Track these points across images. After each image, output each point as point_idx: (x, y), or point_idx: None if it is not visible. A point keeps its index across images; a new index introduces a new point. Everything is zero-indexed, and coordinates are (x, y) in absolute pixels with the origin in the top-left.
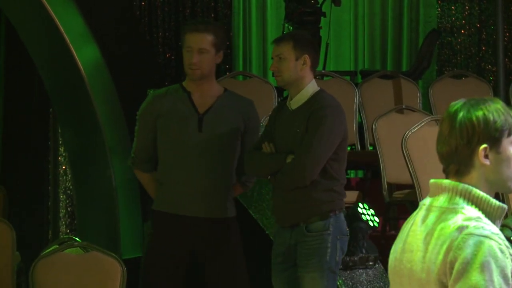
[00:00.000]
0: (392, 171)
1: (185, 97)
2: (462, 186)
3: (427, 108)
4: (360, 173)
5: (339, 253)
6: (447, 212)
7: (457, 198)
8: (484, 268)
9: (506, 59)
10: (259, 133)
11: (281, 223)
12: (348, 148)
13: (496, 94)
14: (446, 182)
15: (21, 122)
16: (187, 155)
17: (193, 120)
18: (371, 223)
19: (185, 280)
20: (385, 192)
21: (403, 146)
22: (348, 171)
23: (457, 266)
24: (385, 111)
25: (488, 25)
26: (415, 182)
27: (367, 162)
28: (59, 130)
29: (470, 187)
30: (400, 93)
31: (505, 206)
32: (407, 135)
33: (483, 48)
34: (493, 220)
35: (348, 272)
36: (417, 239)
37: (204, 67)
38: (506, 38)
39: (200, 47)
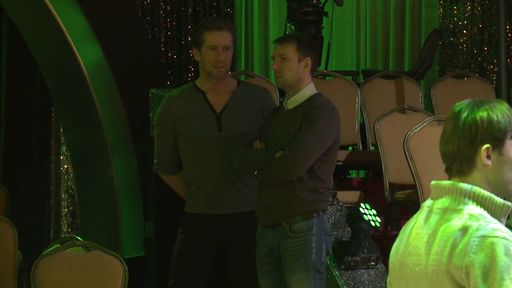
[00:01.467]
0: (394, 171)
1: (200, 97)
2: (465, 185)
3: (429, 108)
4: (362, 173)
5: (324, 253)
6: (450, 212)
7: (461, 198)
8: (504, 268)
9: (508, 60)
10: None
11: (264, 223)
12: (350, 148)
13: (498, 94)
14: (448, 183)
15: (23, 121)
16: (209, 156)
17: (212, 120)
18: (372, 223)
19: (209, 276)
20: (387, 192)
21: (405, 146)
22: (350, 171)
23: (475, 271)
24: (387, 111)
25: (490, 25)
26: (417, 182)
27: (369, 162)
28: (61, 129)
29: (473, 186)
30: (402, 93)
31: (509, 203)
32: (409, 135)
33: (485, 48)
34: (498, 218)
35: (349, 272)
36: (422, 242)
37: (228, 64)
38: (508, 39)
39: (224, 44)
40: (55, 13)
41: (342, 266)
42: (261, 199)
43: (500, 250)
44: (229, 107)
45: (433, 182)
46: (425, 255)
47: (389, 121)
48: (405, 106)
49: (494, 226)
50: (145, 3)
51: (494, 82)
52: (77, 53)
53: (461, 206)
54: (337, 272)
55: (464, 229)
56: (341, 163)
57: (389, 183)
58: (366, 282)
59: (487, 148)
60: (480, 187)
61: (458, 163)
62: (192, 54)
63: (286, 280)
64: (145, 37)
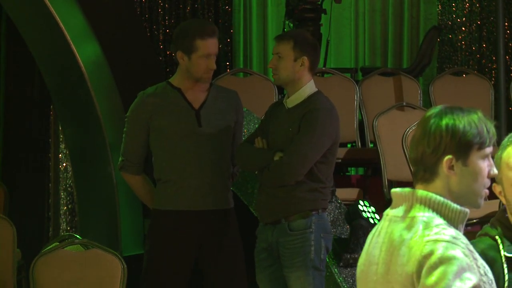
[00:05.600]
0: (392, 168)
1: (176, 94)
2: (421, 193)
3: (428, 105)
4: (361, 171)
5: (323, 251)
6: (407, 221)
7: (417, 206)
8: (446, 272)
9: (507, 57)
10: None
11: (263, 220)
12: (349, 145)
13: (496, 91)
14: (405, 190)
15: (22, 119)
16: (189, 151)
17: (191, 116)
18: (371, 221)
19: (190, 276)
20: (385, 190)
21: (403, 143)
22: (349, 169)
23: (423, 272)
24: (386, 108)
25: (488, 22)
26: None
27: (367, 159)
28: (60, 127)
29: (430, 194)
30: (401, 90)
31: (466, 210)
32: (407, 132)
33: (484, 45)
34: (455, 225)
35: (348, 269)
36: (381, 251)
37: None
38: (506, 36)
39: (216, 51)
40: (54, 11)
41: (341, 264)
42: (261, 198)
43: (446, 253)
44: (207, 103)
45: (392, 190)
46: (383, 265)
47: (387, 118)
48: (404, 103)
49: (446, 232)
50: (143, 1)
51: (493, 79)
52: (75, 51)
53: (417, 215)
54: (336, 270)
55: (417, 237)
56: (339, 160)
57: (387, 180)
58: None
59: (450, 159)
60: (442, 195)
61: (422, 170)
62: (174, 56)
63: (285, 277)
64: (143, 35)
